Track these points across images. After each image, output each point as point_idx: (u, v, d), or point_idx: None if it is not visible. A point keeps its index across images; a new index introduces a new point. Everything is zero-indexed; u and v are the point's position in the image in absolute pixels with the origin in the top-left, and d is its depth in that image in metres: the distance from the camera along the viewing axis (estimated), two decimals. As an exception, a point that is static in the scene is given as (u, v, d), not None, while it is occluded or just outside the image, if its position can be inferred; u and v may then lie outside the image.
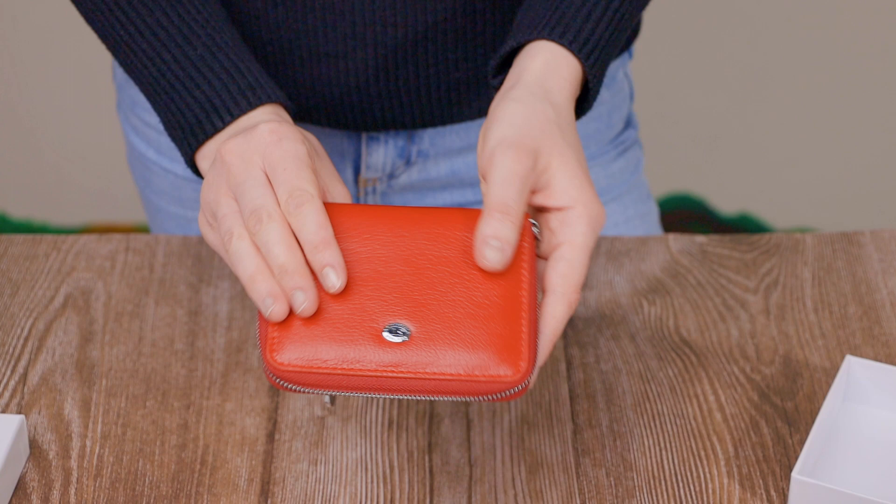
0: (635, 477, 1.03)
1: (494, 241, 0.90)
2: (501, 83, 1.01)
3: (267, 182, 0.93)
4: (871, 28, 2.31)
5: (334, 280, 0.90)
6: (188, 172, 1.27)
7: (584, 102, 1.01)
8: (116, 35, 1.05)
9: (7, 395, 1.09)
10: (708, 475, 1.03)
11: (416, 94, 1.18)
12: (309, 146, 0.96)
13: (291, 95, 1.18)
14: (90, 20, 1.07)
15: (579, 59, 0.98)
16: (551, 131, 0.94)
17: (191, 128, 1.01)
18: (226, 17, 1.06)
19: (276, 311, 0.90)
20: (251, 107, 1.00)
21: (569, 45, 0.98)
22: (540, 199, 0.94)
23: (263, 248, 0.91)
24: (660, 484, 1.02)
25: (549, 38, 0.98)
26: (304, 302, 0.89)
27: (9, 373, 1.11)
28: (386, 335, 0.89)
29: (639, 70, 1.41)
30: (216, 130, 1.00)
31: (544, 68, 0.97)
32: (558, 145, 0.94)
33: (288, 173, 0.93)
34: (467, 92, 1.19)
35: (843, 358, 1.11)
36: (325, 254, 0.91)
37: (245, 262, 0.92)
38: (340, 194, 0.97)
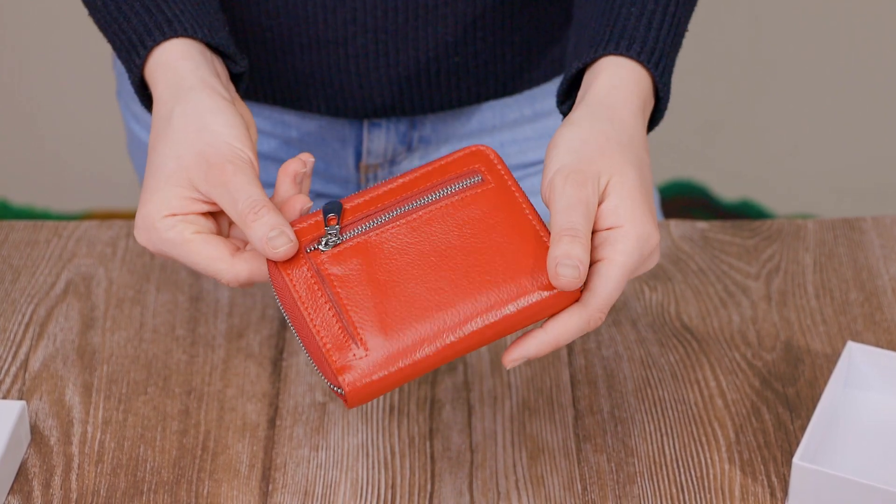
0: (636, 463, 1.03)
1: (567, 260, 0.87)
2: (570, 108, 1.00)
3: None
4: (874, 15, 2.31)
5: (282, 242, 0.90)
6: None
7: (655, 112, 1.00)
8: None
9: (8, 381, 1.09)
10: (709, 461, 1.03)
11: (415, 80, 1.18)
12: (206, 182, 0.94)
13: (291, 82, 1.18)
14: None
15: (648, 69, 0.97)
16: (610, 151, 0.92)
17: (125, 61, 1.01)
18: None
19: (282, 245, 0.91)
20: (165, 38, 0.99)
21: (637, 57, 0.96)
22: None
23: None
24: (661, 469, 1.02)
25: (616, 52, 0.96)
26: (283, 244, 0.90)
27: (10, 359, 1.11)
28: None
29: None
30: (139, 67, 0.99)
31: (608, 85, 0.96)
32: (618, 164, 0.92)
33: (191, 258, 0.93)
34: (467, 77, 1.18)
35: (844, 344, 1.11)
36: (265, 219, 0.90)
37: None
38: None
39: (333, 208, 0.91)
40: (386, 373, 0.87)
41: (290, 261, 0.90)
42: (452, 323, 0.88)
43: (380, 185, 0.93)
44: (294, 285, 0.89)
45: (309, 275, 0.89)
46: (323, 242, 0.90)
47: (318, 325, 0.88)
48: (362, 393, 0.86)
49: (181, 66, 0.98)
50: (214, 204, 0.93)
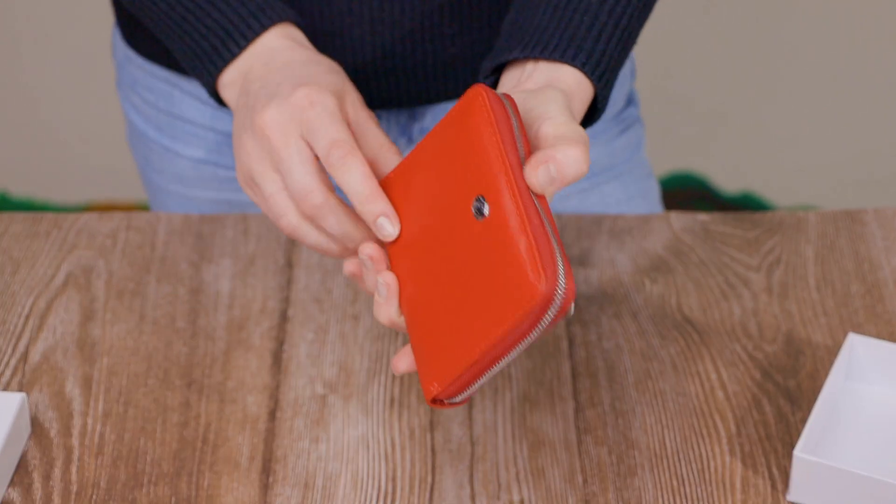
0: (637, 455, 1.03)
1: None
2: (494, 83, 1.00)
3: (309, 154, 0.95)
4: (876, 8, 2.31)
5: (389, 229, 0.92)
6: (189, 150, 1.26)
7: (593, 114, 1.00)
8: None
9: (8, 373, 1.09)
10: (710, 453, 1.03)
11: (412, 72, 1.17)
12: (340, 99, 0.97)
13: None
14: None
15: (591, 80, 0.97)
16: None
17: (208, 57, 1.03)
18: None
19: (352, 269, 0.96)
20: (263, 28, 1.02)
21: (581, 68, 0.97)
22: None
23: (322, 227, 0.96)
24: (661, 462, 1.02)
25: (562, 60, 0.96)
26: (389, 227, 0.93)
27: (10, 351, 1.10)
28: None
29: (640, 48, 1.41)
30: (233, 56, 1.02)
31: (570, 93, 0.96)
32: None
33: (325, 129, 0.94)
34: (463, 68, 1.18)
35: (845, 336, 1.11)
36: (375, 204, 0.92)
37: (311, 241, 0.97)
38: (375, 136, 0.98)
39: None
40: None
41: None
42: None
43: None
44: None
45: None
46: None
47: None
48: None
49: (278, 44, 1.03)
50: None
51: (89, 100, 2.37)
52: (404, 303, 0.92)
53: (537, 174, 0.87)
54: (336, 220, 0.95)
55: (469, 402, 1.07)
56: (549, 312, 0.84)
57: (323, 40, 1.15)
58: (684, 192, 2.44)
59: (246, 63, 1.02)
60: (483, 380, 0.88)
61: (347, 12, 1.13)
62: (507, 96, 0.91)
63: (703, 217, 1.22)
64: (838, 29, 2.32)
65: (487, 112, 0.89)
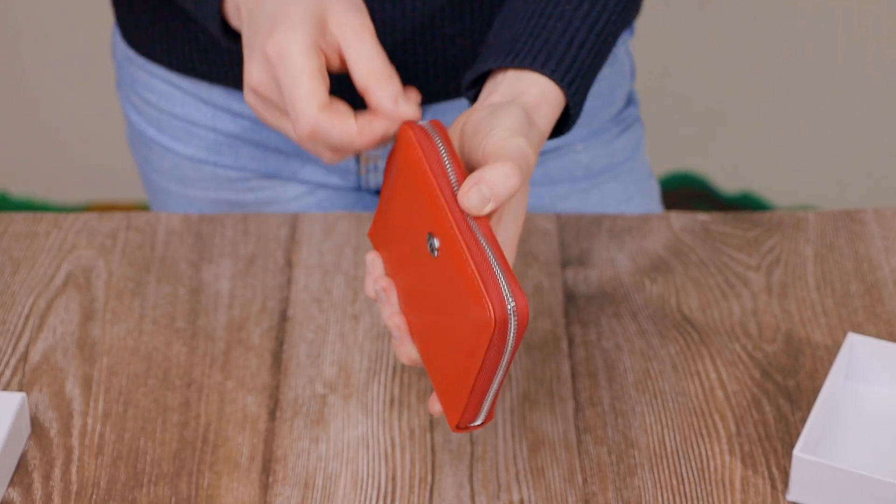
0: (637, 454, 1.03)
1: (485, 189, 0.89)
2: (475, 95, 1.01)
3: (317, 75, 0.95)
4: (875, 8, 2.31)
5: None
6: (189, 150, 1.26)
7: (563, 126, 1.01)
8: None
9: (8, 373, 1.09)
10: (709, 453, 1.03)
11: (413, 72, 1.17)
12: (319, 26, 0.96)
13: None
14: None
15: (562, 88, 0.98)
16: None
17: None
18: None
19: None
20: None
21: (550, 75, 0.97)
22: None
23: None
24: (661, 461, 1.02)
25: (532, 67, 0.97)
26: None
27: (10, 351, 1.10)
28: None
29: (640, 47, 1.41)
30: None
31: (534, 104, 0.97)
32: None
33: (290, 92, 0.94)
34: (464, 68, 1.18)
35: (845, 335, 1.11)
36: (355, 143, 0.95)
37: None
38: (365, 60, 0.97)
39: None
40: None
41: None
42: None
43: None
44: None
45: None
46: None
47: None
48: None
49: None
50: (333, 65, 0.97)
51: (89, 100, 2.37)
52: (415, 338, 0.94)
53: (469, 197, 0.88)
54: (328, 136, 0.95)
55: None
56: (511, 331, 0.86)
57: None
58: (684, 192, 2.44)
59: None
60: (490, 397, 0.90)
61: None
62: (435, 123, 0.93)
63: (702, 217, 1.22)
64: (838, 29, 2.32)
65: (415, 149, 0.91)
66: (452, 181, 0.90)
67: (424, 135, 0.92)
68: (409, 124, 0.93)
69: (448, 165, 0.90)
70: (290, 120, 0.95)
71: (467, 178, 0.89)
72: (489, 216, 0.89)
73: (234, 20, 1.02)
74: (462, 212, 0.88)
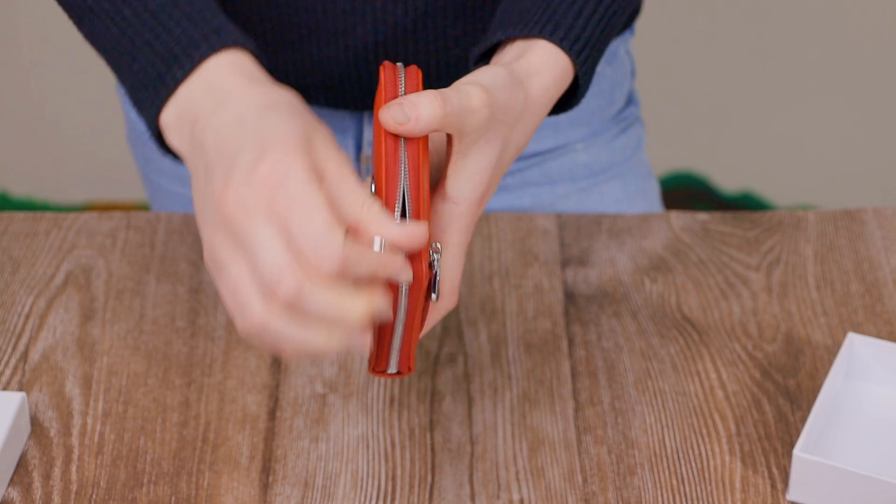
0: (637, 454, 1.03)
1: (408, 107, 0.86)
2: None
3: (278, 231, 0.81)
4: (875, 8, 2.31)
5: (408, 274, 0.83)
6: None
7: (572, 98, 1.00)
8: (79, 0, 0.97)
9: (8, 372, 1.09)
10: (709, 452, 1.03)
11: (413, 73, 1.17)
12: (308, 148, 0.84)
13: (290, 74, 1.17)
14: None
15: (570, 56, 0.97)
16: (514, 113, 0.92)
17: (153, 85, 0.91)
18: None
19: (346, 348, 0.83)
20: (213, 50, 0.90)
21: (559, 43, 0.96)
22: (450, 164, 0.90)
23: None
24: (661, 461, 1.02)
25: (540, 35, 0.96)
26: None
27: (10, 350, 1.10)
28: None
29: (641, 47, 1.41)
30: (176, 83, 0.90)
31: (527, 67, 0.95)
32: (502, 132, 0.91)
33: (303, 213, 0.81)
34: (465, 69, 1.18)
35: (845, 335, 1.11)
36: (392, 263, 0.82)
37: (285, 334, 0.81)
38: (337, 165, 0.86)
39: None
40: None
41: None
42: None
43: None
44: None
45: None
46: None
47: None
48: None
49: (233, 79, 0.90)
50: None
51: (89, 100, 2.37)
52: None
53: (391, 111, 0.85)
54: (324, 297, 0.80)
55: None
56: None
57: (325, 39, 1.15)
58: (684, 192, 2.44)
59: (192, 103, 0.89)
60: (396, 343, 0.87)
61: (350, 12, 1.13)
62: (411, 69, 0.90)
63: (702, 216, 1.22)
64: (838, 29, 2.32)
65: (379, 87, 0.89)
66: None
67: (391, 75, 0.90)
68: (383, 65, 0.90)
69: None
70: (297, 260, 0.81)
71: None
72: (423, 151, 0.85)
73: (175, 134, 0.90)
74: (393, 144, 0.85)
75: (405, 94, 0.88)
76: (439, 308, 0.90)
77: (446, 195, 0.90)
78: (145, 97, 0.91)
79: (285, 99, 0.88)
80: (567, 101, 0.99)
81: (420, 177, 0.86)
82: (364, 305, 0.80)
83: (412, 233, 0.82)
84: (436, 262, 0.87)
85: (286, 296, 0.80)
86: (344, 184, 0.83)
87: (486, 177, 0.91)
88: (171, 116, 0.90)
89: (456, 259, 0.90)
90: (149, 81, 0.91)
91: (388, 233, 0.82)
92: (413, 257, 0.84)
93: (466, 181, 0.90)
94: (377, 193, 0.86)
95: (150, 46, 0.92)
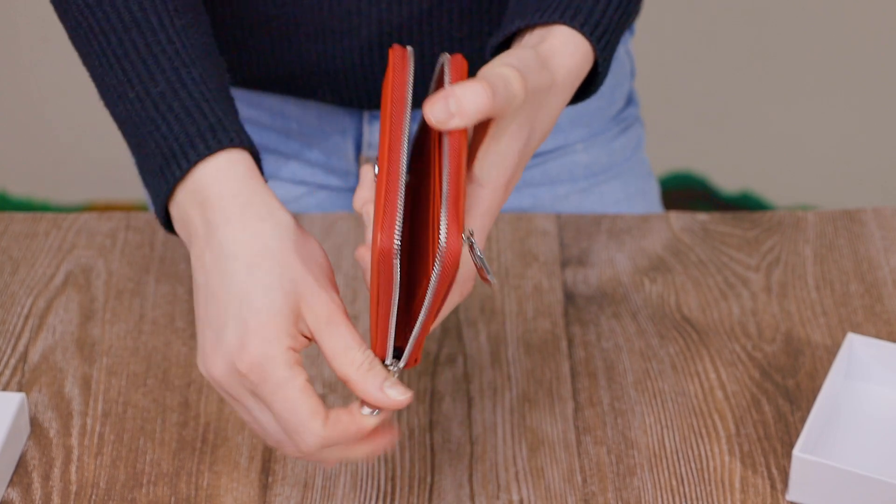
0: (636, 455, 1.03)
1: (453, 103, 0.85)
2: None
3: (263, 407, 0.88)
4: (874, 7, 2.31)
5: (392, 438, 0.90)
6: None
7: (590, 85, 1.00)
8: (93, 63, 0.98)
9: (8, 373, 1.09)
10: (709, 453, 1.03)
11: (420, 74, 1.17)
12: (294, 317, 0.87)
13: (295, 71, 1.17)
14: (74, 44, 1.00)
15: (591, 41, 0.96)
16: (539, 99, 0.91)
17: (157, 176, 0.92)
18: (203, 47, 0.96)
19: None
20: (210, 151, 0.90)
21: (580, 28, 0.96)
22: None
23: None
24: (661, 462, 1.02)
25: (560, 21, 0.95)
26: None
27: (9, 351, 1.10)
28: None
29: (640, 47, 1.41)
30: (176, 180, 0.91)
31: (551, 51, 0.95)
32: (531, 115, 0.91)
33: (285, 415, 0.87)
34: (470, 69, 1.18)
35: (844, 335, 1.11)
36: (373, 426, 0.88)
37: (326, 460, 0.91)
38: (324, 302, 0.88)
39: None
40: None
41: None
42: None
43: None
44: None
45: None
46: None
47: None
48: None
49: (249, 185, 0.91)
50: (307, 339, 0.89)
51: (89, 100, 2.36)
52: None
53: (434, 109, 0.84)
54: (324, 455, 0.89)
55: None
56: (435, 269, 0.82)
57: (331, 40, 1.15)
58: (684, 192, 2.44)
59: (187, 215, 0.91)
60: (391, 333, 0.86)
61: (356, 12, 1.13)
62: (403, 51, 0.89)
63: (702, 217, 1.22)
64: (838, 29, 2.32)
65: (387, 73, 0.88)
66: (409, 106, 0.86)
67: (400, 60, 0.88)
68: (392, 48, 0.89)
69: (408, 91, 0.87)
70: (288, 434, 0.88)
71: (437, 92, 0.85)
72: (464, 139, 0.85)
73: (179, 230, 0.93)
74: (398, 139, 0.85)
75: (451, 83, 0.86)
76: (454, 295, 0.90)
77: (473, 178, 0.89)
78: (152, 185, 0.93)
79: (274, 242, 0.89)
80: (584, 89, 0.98)
81: (461, 171, 0.84)
82: (373, 423, 0.87)
83: (396, 402, 0.86)
84: (476, 248, 0.86)
85: (299, 455, 0.88)
86: (336, 342, 0.87)
87: (514, 160, 0.90)
88: (175, 214, 0.92)
89: (477, 244, 0.89)
90: (154, 171, 0.92)
91: (375, 401, 0.86)
92: (452, 239, 0.82)
93: (495, 165, 0.89)
94: (378, 178, 0.85)
95: (151, 137, 0.92)
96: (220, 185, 0.90)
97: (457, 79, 0.87)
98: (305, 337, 0.88)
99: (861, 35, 2.33)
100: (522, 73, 0.88)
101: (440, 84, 0.89)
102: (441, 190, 0.83)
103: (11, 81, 2.38)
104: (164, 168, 0.91)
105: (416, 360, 0.88)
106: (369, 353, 0.87)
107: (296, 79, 1.18)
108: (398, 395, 0.86)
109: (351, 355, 0.87)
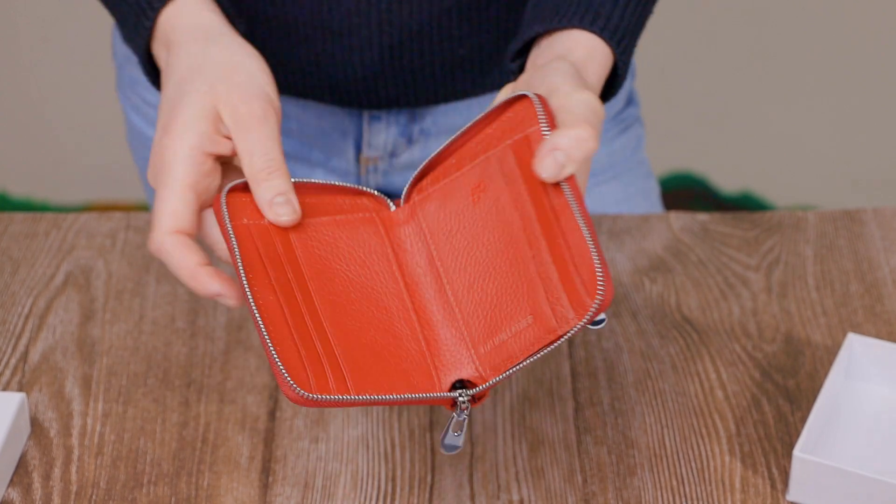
0: (637, 455, 1.03)
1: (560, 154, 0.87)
2: (521, 67, 0.99)
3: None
4: (875, 8, 2.31)
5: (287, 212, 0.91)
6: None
7: (610, 88, 1.00)
8: None
9: (8, 373, 1.09)
10: (709, 453, 1.03)
11: (419, 73, 1.17)
12: (209, 125, 0.93)
13: (295, 71, 1.17)
14: None
15: (611, 45, 0.97)
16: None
17: (134, 27, 1.00)
18: None
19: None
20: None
21: (600, 33, 0.96)
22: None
23: None
24: (661, 461, 1.02)
25: (580, 25, 0.95)
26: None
27: (10, 351, 1.10)
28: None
29: (641, 47, 1.41)
30: (147, 31, 0.99)
31: (582, 61, 0.95)
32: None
33: (160, 205, 0.93)
34: (471, 69, 1.18)
35: (844, 336, 1.11)
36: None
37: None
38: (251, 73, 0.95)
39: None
40: None
41: None
42: None
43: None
44: None
45: None
46: None
47: None
48: None
49: (205, 16, 0.98)
50: (231, 150, 0.93)
51: (89, 100, 2.37)
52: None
53: (545, 165, 0.86)
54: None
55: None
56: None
57: (331, 39, 1.15)
58: (684, 192, 2.44)
59: (159, 51, 0.99)
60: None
61: (356, 12, 1.13)
62: (539, 98, 0.90)
63: (702, 217, 1.22)
64: (838, 29, 2.32)
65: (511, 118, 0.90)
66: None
67: (528, 110, 0.89)
68: (520, 97, 0.90)
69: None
70: (152, 221, 0.95)
71: (541, 144, 0.86)
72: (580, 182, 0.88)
73: (161, 59, 1.00)
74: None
75: (548, 129, 0.87)
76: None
77: None
78: (135, 47, 1.01)
79: (205, 58, 0.96)
80: (603, 92, 0.99)
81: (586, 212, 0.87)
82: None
83: (276, 217, 0.91)
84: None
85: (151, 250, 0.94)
86: (243, 144, 0.92)
87: None
88: (156, 47, 1.00)
89: None
90: (132, 33, 1.00)
91: (261, 207, 0.91)
92: (608, 286, 0.85)
93: None
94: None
95: (125, 1, 1.00)
96: (179, 23, 0.98)
97: (551, 124, 0.88)
98: (228, 139, 0.93)
99: (861, 35, 2.33)
100: (585, 93, 0.89)
101: (519, 117, 0.89)
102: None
103: (11, 81, 2.38)
104: (137, 25, 0.99)
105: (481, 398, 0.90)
106: (275, 160, 0.91)
107: (296, 79, 1.18)
108: (281, 214, 0.90)
109: (253, 160, 0.91)
